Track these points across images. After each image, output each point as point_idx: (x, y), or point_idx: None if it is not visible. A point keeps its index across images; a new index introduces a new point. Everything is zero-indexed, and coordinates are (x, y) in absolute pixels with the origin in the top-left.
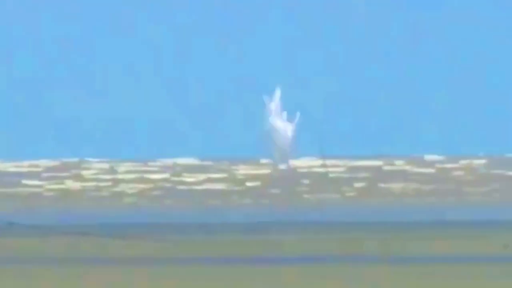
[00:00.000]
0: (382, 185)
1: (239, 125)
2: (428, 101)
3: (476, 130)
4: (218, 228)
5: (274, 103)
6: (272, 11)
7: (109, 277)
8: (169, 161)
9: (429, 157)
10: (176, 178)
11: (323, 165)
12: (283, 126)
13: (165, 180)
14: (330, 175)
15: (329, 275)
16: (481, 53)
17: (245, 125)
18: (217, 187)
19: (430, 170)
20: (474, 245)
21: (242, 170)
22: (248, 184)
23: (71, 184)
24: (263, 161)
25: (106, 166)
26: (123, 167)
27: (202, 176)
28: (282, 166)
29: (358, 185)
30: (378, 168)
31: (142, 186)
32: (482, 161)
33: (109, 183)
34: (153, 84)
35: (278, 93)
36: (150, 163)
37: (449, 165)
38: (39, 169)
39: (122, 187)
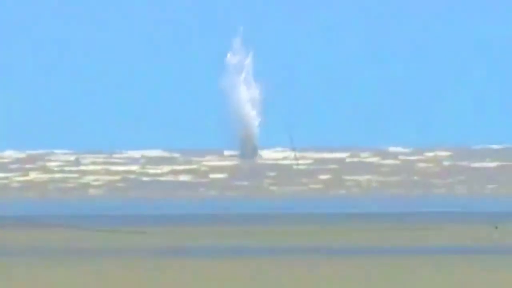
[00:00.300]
0: (348, 177)
1: (204, 114)
2: (394, 93)
3: (440, 122)
4: (183, 220)
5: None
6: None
7: (74, 268)
8: (134, 153)
9: (394, 149)
10: (141, 170)
11: (295, 158)
12: (249, 114)
13: (130, 172)
14: (296, 167)
15: (295, 267)
16: (447, 42)
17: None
18: (182, 179)
19: (395, 162)
20: (443, 237)
21: (208, 162)
22: (213, 176)
23: (37, 176)
24: (229, 152)
25: (71, 158)
26: (88, 158)
27: (166, 168)
28: (249, 159)
29: (323, 177)
30: (343, 160)
31: (107, 177)
32: (447, 153)
33: (75, 175)
34: (117, 74)
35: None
36: (115, 155)
37: (414, 157)
38: (6, 161)
39: (87, 179)
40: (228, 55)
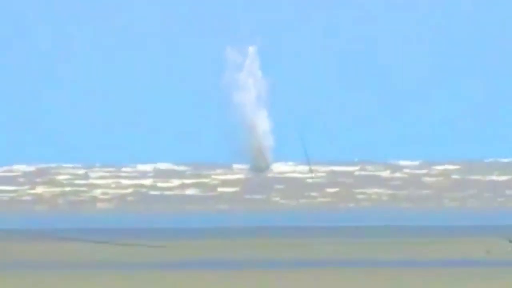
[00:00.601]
0: (357, 190)
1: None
2: (403, 108)
3: (451, 136)
4: (193, 233)
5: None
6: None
7: (83, 282)
8: (143, 166)
9: (403, 162)
10: (149, 183)
11: (310, 171)
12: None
13: (139, 185)
14: (311, 180)
15: (303, 280)
16: (453, 60)
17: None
18: (191, 193)
19: (405, 176)
20: (455, 251)
21: (217, 176)
22: (223, 189)
23: (46, 189)
24: (239, 166)
25: (80, 171)
26: (97, 172)
27: (176, 182)
28: (261, 173)
29: (333, 190)
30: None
31: (116, 191)
32: (456, 167)
33: (84, 188)
34: (126, 88)
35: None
36: (124, 169)
37: (424, 171)
38: (15, 174)
39: (95, 193)
40: (242, 73)
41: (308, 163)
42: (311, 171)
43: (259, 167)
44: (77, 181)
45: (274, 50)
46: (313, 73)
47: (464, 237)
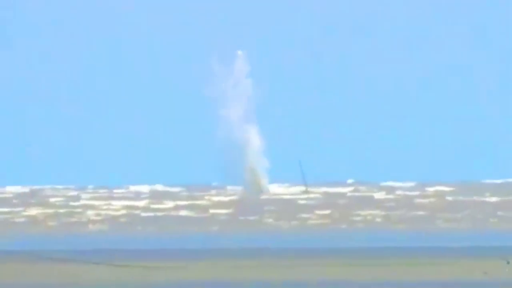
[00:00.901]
0: (351, 212)
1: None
2: (396, 129)
3: (443, 157)
4: (185, 255)
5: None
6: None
7: None
8: (135, 188)
9: (396, 184)
10: (143, 205)
11: (306, 191)
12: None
13: (131, 207)
14: (306, 202)
15: None
16: (446, 82)
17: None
18: (184, 214)
19: (398, 197)
20: (453, 272)
21: (210, 197)
22: (216, 211)
23: (39, 211)
24: (233, 188)
25: (73, 193)
26: (90, 193)
27: (170, 203)
28: (256, 195)
29: (326, 212)
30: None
31: (108, 212)
32: (449, 188)
33: (77, 210)
34: (119, 110)
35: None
36: (116, 190)
37: (417, 192)
38: (8, 196)
39: (88, 214)
40: (235, 92)
41: (304, 183)
42: (307, 192)
43: (252, 190)
44: (70, 203)
45: (266, 70)
46: (306, 94)
47: (461, 259)
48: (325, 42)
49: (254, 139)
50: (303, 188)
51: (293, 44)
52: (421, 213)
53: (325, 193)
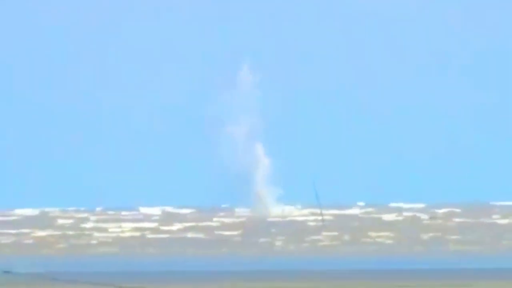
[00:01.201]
0: (363, 233)
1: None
2: (406, 151)
3: (453, 179)
4: (195, 277)
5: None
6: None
7: None
8: (144, 210)
9: (405, 205)
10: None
11: (321, 214)
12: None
13: (140, 229)
14: (321, 223)
15: None
16: (454, 105)
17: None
18: (192, 236)
19: (406, 218)
20: None
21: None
22: (225, 233)
23: (48, 232)
24: (240, 209)
25: (83, 215)
26: (99, 215)
27: (178, 225)
28: (261, 216)
29: (337, 233)
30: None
31: (117, 235)
32: (459, 210)
33: (86, 232)
34: (129, 134)
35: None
36: (124, 212)
37: (426, 214)
38: (19, 218)
39: (97, 236)
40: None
41: (319, 206)
42: (321, 215)
43: (260, 211)
44: (80, 225)
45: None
46: (315, 113)
47: (477, 280)
48: (338, 58)
49: (261, 158)
50: (317, 210)
51: (304, 60)
52: (431, 234)
53: (335, 215)
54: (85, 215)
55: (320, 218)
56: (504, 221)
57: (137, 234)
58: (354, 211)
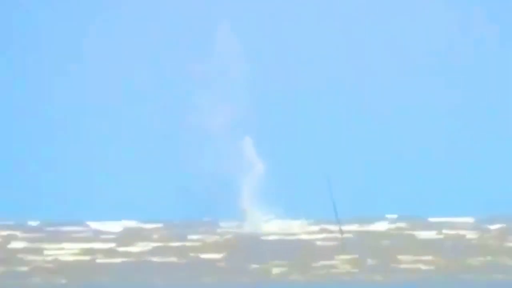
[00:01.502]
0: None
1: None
2: (429, 163)
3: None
4: None
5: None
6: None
7: None
8: (96, 225)
9: (448, 219)
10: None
11: (340, 231)
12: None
13: (89, 250)
14: (341, 241)
15: None
16: (467, 112)
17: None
18: (160, 260)
19: (448, 237)
20: None
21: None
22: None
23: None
24: (225, 224)
25: (11, 232)
26: (30, 233)
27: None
28: (250, 230)
29: (347, 257)
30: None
31: (56, 258)
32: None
33: (15, 255)
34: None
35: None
36: (66, 228)
37: (475, 231)
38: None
39: (29, 261)
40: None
41: (336, 218)
42: (340, 231)
43: (250, 227)
44: (6, 246)
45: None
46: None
47: None
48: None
49: (252, 160)
50: (332, 224)
51: (303, 59)
52: (481, 259)
53: (355, 232)
54: (13, 232)
55: (338, 235)
56: None
57: (86, 258)
58: (381, 226)
